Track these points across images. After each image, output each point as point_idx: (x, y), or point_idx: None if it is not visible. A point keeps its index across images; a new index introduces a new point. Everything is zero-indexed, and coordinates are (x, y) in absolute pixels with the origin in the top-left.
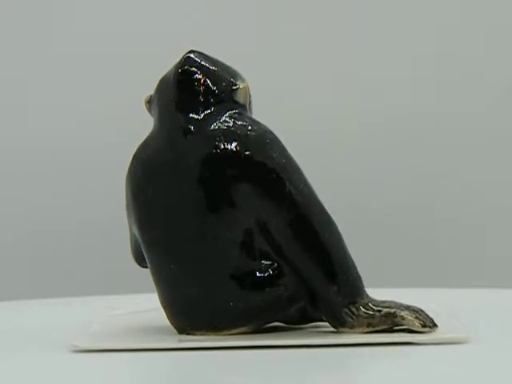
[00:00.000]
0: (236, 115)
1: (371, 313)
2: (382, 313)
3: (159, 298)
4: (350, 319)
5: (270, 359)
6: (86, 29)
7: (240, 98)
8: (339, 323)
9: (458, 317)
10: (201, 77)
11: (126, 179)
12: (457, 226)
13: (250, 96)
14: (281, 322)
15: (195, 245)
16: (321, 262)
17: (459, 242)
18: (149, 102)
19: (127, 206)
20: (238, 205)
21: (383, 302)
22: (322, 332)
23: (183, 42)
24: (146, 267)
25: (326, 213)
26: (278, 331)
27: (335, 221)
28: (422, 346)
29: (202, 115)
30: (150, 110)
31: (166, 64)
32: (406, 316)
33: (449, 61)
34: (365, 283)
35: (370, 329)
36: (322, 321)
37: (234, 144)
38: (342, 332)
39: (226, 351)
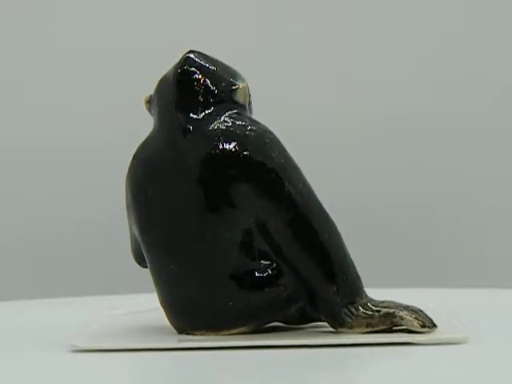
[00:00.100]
0: (235, 115)
1: (370, 313)
2: (381, 313)
3: (159, 298)
4: (349, 319)
5: (269, 359)
6: (86, 29)
7: (239, 97)
8: (338, 323)
9: (458, 317)
10: (200, 77)
11: (126, 179)
12: (457, 226)
13: (249, 96)
14: (280, 321)
15: (195, 245)
16: (320, 261)
17: (459, 241)
18: (149, 101)
19: (127, 206)
20: (237, 205)
21: (382, 302)
22: (321, 332)
23: (183, 42)
24: (146, 267)
25: (325, 212)
26: (278, 331)
27: (335, 221)
28: (421, 346)
29: (202, 115)
30: (149, 110)
31: (166, 64)
32: (404, 316)
33: (449, 61)
34: (364, 283)
35: (369, 329)
36: (321, 321)
37: (233, 144)
38: (341, 332)
39: (225, 351)
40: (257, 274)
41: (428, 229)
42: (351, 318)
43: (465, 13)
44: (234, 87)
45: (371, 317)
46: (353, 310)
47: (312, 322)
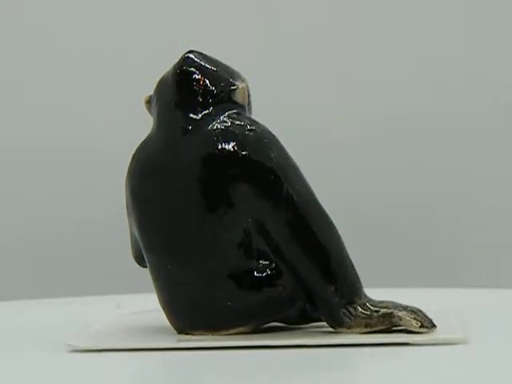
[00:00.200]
0: (235, 115)
1: (369, 313)
2: (379, 313)
3: (158, 298)
4: (347, 319)
5: (268, 359)
6: (86, 29)
7: (238, 98)
8: (337, 323)
9: (458, 317)
10: (200, 77)
11: (126, 179)
12: (457, 226)
13: (249, 96)
14: (280, 321)
15: (194, 244)
16: (319, 262)
17: (459, 241)
18: (148, 102)
19: (127, 205)
20: (236, 205)
21: (381, 302)
22: (320, 332)
23: (183, 42)
24: (146, 267)
25: (324, 213)
26: (277, 331)
27: (335, 221)
28: (420, 347)
29: (201, 115)
30: (149, 110)
31: (166, 64)
32: (403, 316)
33: (449, 61)
34: (364, 283)
35: (368, 329)
36: (321, 321)
37: (232, 144)
38: (340, 332)
39: (224, 351)
40: (256, 273)
41: (428, 229)
42: (350, 318)
43: (465, 13)
44: (233, 87)
45: (370, 317)
46: (351, 310)
47: (312, 321)
